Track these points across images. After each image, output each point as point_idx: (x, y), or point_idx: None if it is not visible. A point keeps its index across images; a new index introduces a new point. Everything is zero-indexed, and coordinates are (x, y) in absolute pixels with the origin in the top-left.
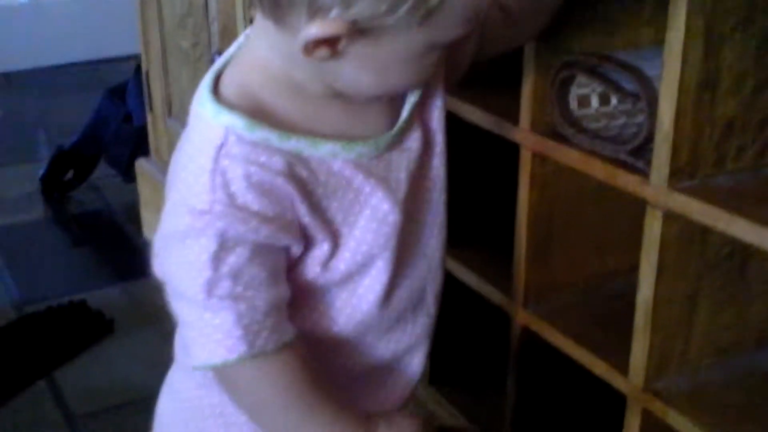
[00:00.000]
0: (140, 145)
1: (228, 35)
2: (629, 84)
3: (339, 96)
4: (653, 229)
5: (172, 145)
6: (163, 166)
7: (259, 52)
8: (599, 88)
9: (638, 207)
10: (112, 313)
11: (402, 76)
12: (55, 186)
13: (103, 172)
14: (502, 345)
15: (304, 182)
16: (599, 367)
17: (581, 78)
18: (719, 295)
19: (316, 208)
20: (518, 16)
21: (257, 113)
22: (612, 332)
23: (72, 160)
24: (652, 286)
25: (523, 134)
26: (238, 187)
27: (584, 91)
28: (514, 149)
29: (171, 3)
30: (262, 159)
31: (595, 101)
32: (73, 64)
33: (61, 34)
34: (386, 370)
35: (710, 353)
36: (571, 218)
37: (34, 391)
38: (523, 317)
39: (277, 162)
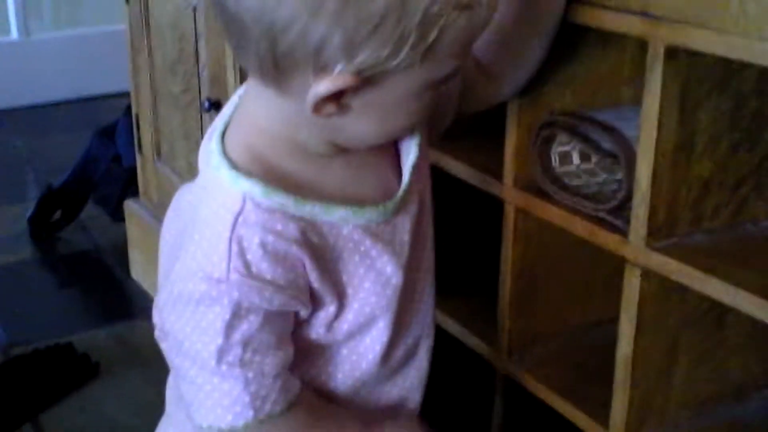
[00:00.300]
0: (129, 186)
1: (218, 83)
2: (608, 144)
3: (340, 152)
4: (632, 286)
5: (160, 187)
6: (152, 208)
7: (257, 116)
8: (579, 146)
9: (619, 259)
10: (98, 355)
11: (403, 118)
12: (43, 226)
13: (91, 211)
14: (488, 394)
15: (315, 248)
16: (581, 420)
17: (562, 137)
18: (698, 350)
19: (326, 272)
20: (497, 74)
21: (271, 177)
22: (594, 384)
23: (61, 200)
24: (631, 342)
25: (507, 190)
26: (254, 255)
27: (565, 148)
28: (498, 201)
29: (162, 49)
30: (279, 227)
31: (576, 158)
32: (63, 102)
33: (51, 72)
34: (377, 419)
35: (689, 407)
36: (554, 270)
37: None
38: (506, 367)
39: (293, 230)
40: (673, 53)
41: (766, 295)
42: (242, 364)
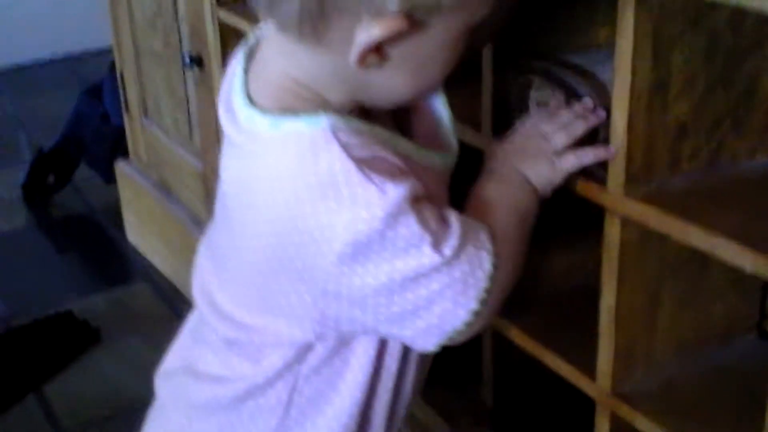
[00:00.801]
0: (119, 145)
1: (197, 35)
2: (584, 89)
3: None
4: (612, 235)
5: (149, 146)
6: (142, 167)
7: (282, 75)
8: (556, 91)
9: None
10: (98, 321)
11: (435, 72)
12: (37, 191)
13: (84, 173)
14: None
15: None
16: (566, 371)
17: (538, 82)
18: (681, 296)
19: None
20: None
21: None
22: (578, 334)
23: (53, 163)
24: (614, 291)
25: (485, 140)
26: (381, 165)
27: (543, 93)
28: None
29: (141, 3)
30: (381, 152)
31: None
32: (48, 62)
33: (34, 30)
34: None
35: (675, 352)
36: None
37: (24, 405)
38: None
39: (394, 159)
40: None
41: (745, 241)
42: (457, 236)
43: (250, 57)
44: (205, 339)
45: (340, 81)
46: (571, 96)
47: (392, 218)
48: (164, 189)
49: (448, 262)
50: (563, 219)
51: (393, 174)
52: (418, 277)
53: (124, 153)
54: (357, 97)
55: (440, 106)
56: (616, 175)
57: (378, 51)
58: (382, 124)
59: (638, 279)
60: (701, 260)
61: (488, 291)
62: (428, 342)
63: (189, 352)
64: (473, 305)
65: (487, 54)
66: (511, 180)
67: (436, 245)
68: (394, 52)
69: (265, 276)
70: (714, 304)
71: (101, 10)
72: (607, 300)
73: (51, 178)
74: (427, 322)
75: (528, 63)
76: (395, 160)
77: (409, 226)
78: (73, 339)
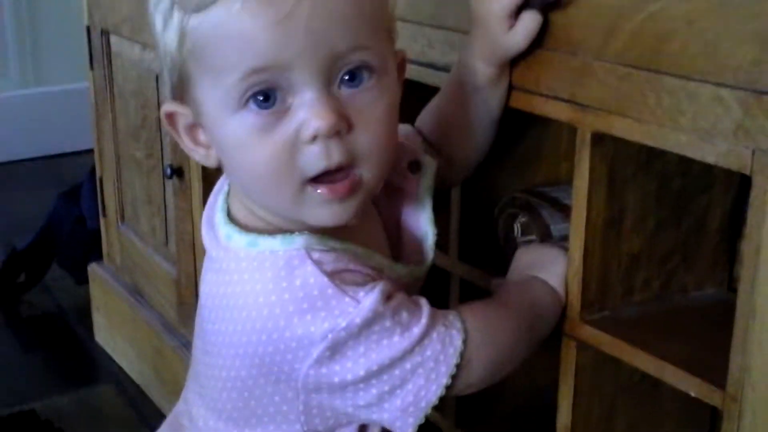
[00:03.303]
0: (93, 248)
1: (179, 150)
2: (561, 225)
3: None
4: (569, 357)
5: (124, 250)
6: (115, 270)
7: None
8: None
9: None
10: (61, 422)
11: (234, 161)
12: (7, 288)
13: (55, 273)
14: None
15: None
16: None
17: (522, 215)
18: (634, 415)
19: None
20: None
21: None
22: None
23: (25, 262)
24: (569, 410)
25: (453, 265)
26: (353, 278)
27: (525, 221)
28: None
29: (125, 115)
30: (352, 266)
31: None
32: (26, 160)
33: (16, 130)
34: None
35: None
36: None
37: None
38: None
39: (368, 270)
40: (599, 138)
41: (690, 368)
42: (426, 316)
43: None
44: None
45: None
46: (547, 230)
47: (368, 322)
48: (136, 293)
49: (420, 342)
50: None
51: (365, 281)
52: (393, 362)
53: (97, 256)
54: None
55: (427, 224)
56: (573, 301)
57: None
58: (361, 242)
59: (593, 399)
60: (653, 383)
61: (460, 366)
62: (406, 423)
63: None
64: (444, 380)
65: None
66: (529, 282)
67: (407, 329)
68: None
69: (249, 387)
70: (665, 425)
71: (83, 112)
72: (563, 419)
73: (22, 277)
74: (404, 401)
75: (514, 195)
76: (367, 270)
77: (383, 323)
78: None
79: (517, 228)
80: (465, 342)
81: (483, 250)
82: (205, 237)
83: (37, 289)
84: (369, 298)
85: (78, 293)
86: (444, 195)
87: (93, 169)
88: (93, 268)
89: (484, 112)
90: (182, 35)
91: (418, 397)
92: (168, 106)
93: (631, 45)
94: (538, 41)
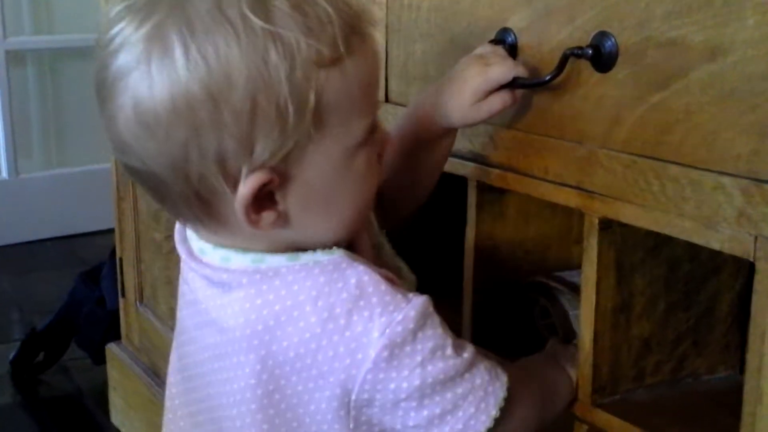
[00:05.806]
0: (112, 329)
1: None
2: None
3: None
4: None
5: (142, 331)
6: (134, 351)
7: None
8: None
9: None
10: None
11: (347, 198)
12: (25, 369)
13: (73, 353)
14: None
15: None
16: None
17: (541, 299)
18: None
19: None
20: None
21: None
22: None
23: (44, 343)
24: None
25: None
26: (385, 276)
27: (544, 304)
28: None
29: (145, 197)
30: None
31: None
32: (48, 240)
33: (39, 211)
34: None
35: None
36: None
37: None
38: None
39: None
40: (607, 224)
41: None
42: (471, 346)
43: None
44: None
45: (268, 242)
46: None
47: (423, 318)
48: (154, 374)
49: (470, 368)
50: None
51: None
52: (446, 381)
53: (116, 337)
54: (297, 247)
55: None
56: (585, 385)
57: (271, 208)
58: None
59: None
60: None
61: (507, 400)
62: None
63: None
64: (493, 412)
65: (467, 268)
66: (552, 365)
67: (457, 349)
68: (290, 202)
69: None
70: None
71: (105, 192)
72: None
73: (40, 357)
74: (452, 428)
75: (536, 280)
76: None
77: (435, 328)
78: None
79: (536, 313)
80: (508, 381)
81: (497, 333)
82: (196, 273)
83: (55, 369)
84: (419, 297)
85: (96, 374)
86: (456, 278)
87: (114, 250)
88: (111, 349)
89: (429, 161)
90: (314, 93)
91: (467, 426)
92: (257, 178)
93: (635, 134)
94: (545, 130)
